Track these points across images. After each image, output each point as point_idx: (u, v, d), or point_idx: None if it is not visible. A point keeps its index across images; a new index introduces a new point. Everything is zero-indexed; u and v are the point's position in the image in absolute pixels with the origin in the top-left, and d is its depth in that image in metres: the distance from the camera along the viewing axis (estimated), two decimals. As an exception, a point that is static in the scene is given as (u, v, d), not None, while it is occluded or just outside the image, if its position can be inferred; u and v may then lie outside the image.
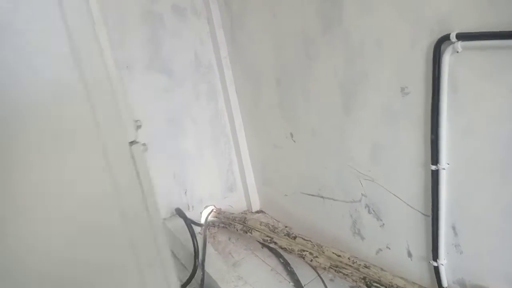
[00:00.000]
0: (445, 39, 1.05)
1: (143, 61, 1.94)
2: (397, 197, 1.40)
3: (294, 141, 1.86)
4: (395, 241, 1.49)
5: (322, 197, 1.80)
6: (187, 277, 1.83)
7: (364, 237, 1.64)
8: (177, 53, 2.04)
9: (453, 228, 1.23)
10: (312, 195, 1.87)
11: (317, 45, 1.50)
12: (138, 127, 0.77)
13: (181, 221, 2.01)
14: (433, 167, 1.20)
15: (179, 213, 2.02)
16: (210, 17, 2.08)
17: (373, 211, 1.53)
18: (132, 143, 0.74)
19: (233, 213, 2.28)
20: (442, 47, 1.06)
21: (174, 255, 2.18)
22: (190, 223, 1.91)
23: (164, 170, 2.12)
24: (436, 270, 1.31)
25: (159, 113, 2.05)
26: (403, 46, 1.18)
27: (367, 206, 1.56)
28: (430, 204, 1.26)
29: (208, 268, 1.79)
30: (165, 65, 2.02)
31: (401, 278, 1.38)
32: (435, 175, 1.21)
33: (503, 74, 0.98)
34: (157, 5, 1.94)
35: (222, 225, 2.25)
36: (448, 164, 1.17)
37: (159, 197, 2.06)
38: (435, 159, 1.19)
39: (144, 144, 0.78)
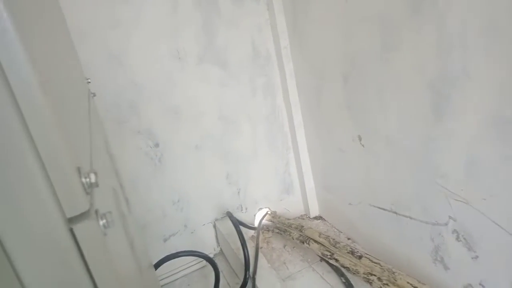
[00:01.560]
0: None
1: (196, 51, 1.79)
2: (500, 226, 1.10)
3: (363, 146, 1.60)
4: (492, 279, 1.19)
5: (395, 213, 1.53)
6: (238, 287, 1.69)
7: (448, 267, 1.35)
8: (233, 42, 1.86)
9: None
10: (384, 209, 1.60)
11: (399, 32, 1.22)
12: (92, 185, 0.40)
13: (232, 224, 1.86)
14: None
15: (231, 218, 1.87)
16: (270, 1, 1.86)
17: (464, 238, 1.24)
18: (75, 219, 0.38)
19: (289, 219, 2.09)
20: None
21: (225, 258, 2.05)
22: (240, 231, 1.75)
23: (216, 169, 1.98)
24: (554, 328, 1.01)
25: (213, 108, 1.90)
26: (527, 34, 0.87)
27: (455, 231, 1.26)
28: (552, 243, 0.95)
29: (260, 282, 1.62)
30: (219, 56, 1.85)
31: (502, 330, 1.09)
32: None
33: None
34: (212, -10, 1.77)
35: (277, 230, 2.07)
36: None
37: (210, 197, 1.95)
38: None
39: (109, 213, 0.43)
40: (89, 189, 0.40)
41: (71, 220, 0.38)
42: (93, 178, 0.40)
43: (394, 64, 1.28)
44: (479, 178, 1.11)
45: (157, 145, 1.80)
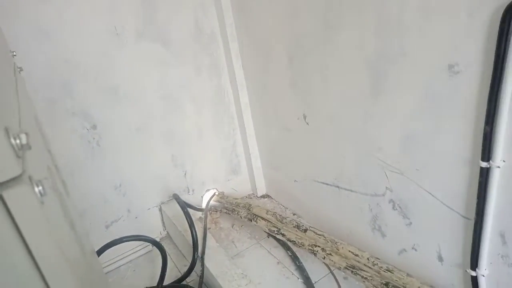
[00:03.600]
0: (518, 4, 0.81)
1: (135, 27, 1.69)
2: (430, 194, 1.20)
3: (307, 124, 1.64)
4: (423, 243, 1.31)
5: (337, 187, 1.60)
6: (187, 268, 1.68)
7: (385, 235, 1.45)
8: (175, 19, 1.78)
9: (502, 236, 1.04)
10: (326, 184, 1.67)
11: (340, 11, 1.25)
12: (23, 146, 0.36)
13: (179, 206, 1.83)
14: (484, 164, 0.98)
15: (178, 200, 1.83)
16: (213, -24, 1.81)
17: (399, 207, 1.34)
18: (6, 185, 0.34)
19: (236, 199, 2.10)
20: (514, 14, 0.82)
21: (172, 242, 2.02)
22: (188, 213, 1.73)
23: (161, 152, 1.92)
24: (474, 280, 1.13)
25: (154, 88, 1.81)
26: (456, 13, 0.94)
27: (391, 201, 1.36)
28: (474, 205, 1.06)
29: (208, 261, 1.62)
30: (160, 32, 1.76)
31: (431, 287, 1.20)
32: (485, 174, 1.00)
33: None
34: (151, -39, 1.67)
35: (225, 210, 2.08)
36: (504, 161, 0.96)
37: (155, 180, 1.89)
38: (487, 155, 0.97)
39: (45, 179, 0.40)
40: (20, 151, 0.35)
41: (0, 186, 0.33)
42: (24, 139, 0.36)
43: (336, 43, 1.32)
44: (414, 150, 1.20)
45: (94, 127, 1.69)
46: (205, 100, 1.99)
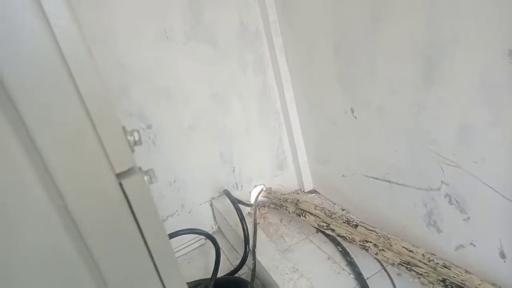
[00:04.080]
0: None
1: (183, 29, 1.76)
2: (491, 188, 1.14)
3: (355, 117, 1.62)
4: (483, 238, 1.25)
5: (389, 181, 1.57)
6: (238, 262, 1.73)
7: (441, 230, 1.40)
8: (221, 18, 1.83)
9: None
10: (377, 178, 1.64)
11: (389, 2, 1.22)
12: (136, 142, 0.44)
13: (229, 201, 1.89)
14: (551, 156, 0.92)
15: (229, 196, 1.89)
16: (256, -26, 1.83)
17: (456, 201, 1.28)
18: (124, 174, 0.40)
19: (284, 194, 2.12)
20: None
21: (223, 235, 2.09)
22: (239, 208, 1.78)
23: (211, 148, 1.99)
24: (543, 279, 1.07)
25: (204, 87, 1.88)
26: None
27: (447, 195, 1.31)
28: (540, 200, 1.00)
29: (260, 255, 1.66)
30: (207, 33, 1.82)
31: (493, 285, 1.15)
32: (552, 166, 0.94)
33: None
34: (197, -35, 1.72)
35: (273, 206, 2.11)
36: None
37: (206, 176, 1.96)
38: (554, 145, 0.91)
39: (151, 170, 0.46)
40: (133, 147, 0.43)
41: (119, 176, 0.40)
42: (136, 136, 0.43)
43: (385, 34, 1.29)
44: (470, 142, 1.15)
45: (149, 126, 1.79)
46: (251, 97, 2.03)
